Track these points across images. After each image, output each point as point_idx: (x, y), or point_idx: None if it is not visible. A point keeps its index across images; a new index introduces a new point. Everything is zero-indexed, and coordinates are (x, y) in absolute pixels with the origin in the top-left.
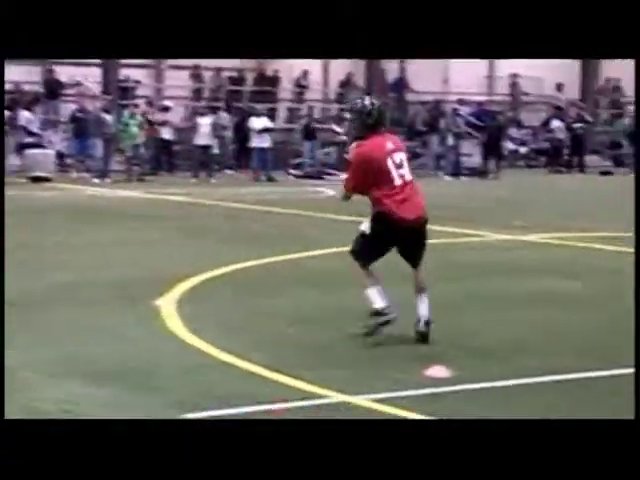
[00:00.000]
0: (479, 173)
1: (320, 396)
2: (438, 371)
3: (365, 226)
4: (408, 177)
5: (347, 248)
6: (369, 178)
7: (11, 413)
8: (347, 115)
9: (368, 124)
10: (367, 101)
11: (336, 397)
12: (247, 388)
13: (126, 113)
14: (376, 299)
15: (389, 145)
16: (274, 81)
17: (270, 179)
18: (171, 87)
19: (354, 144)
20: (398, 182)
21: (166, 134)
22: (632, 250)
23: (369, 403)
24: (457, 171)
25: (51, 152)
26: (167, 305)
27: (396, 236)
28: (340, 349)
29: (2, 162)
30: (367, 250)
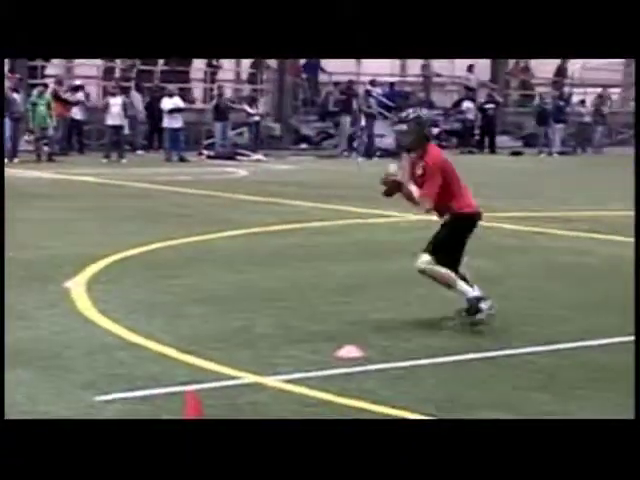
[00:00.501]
0: (392, 154)
1: (231, 377)
2: (349, 352)
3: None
4: None
5: (270, 228)
6: (453, 185)
7: None
8: (398, 127)
9: (426, 134)
10: (424, 111)
11: (247, 378)
12: (157, 370)
13: (35, 92)
14: (469, 289)
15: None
16: (186, 61)
17: (182, 159)
18: (82, 66)
19: (407, 155)
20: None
21: (76, 114)
22: (539, 230)
23: (280, 384)
24: (370, 152)
25: None
26: (76, 287)
27: (472, 230)
28: (250, 330)
29: (2, 161)
30: (452, 254)
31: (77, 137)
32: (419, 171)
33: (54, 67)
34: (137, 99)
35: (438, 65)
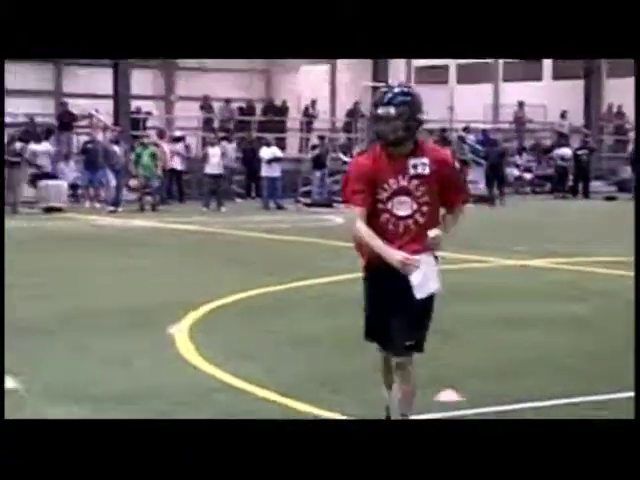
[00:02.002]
0: (485, 200)
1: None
2: (449, 395)
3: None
4: None
5: (354, 275)
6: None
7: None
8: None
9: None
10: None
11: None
12: (254, 409)
13: (138, 144)
14: None
15: None
16: (282, 111)
17: (279, 207)
18: (181, 118)
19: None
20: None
21: (177, 164)
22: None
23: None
24: None
25: (64, 183)
26: (180, 333)
27: None
28: (348, 373)
29: (2, 161)
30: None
31: (177, 187)
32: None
33: (155, 119)
34: (230, 149)
35: (530, 110)
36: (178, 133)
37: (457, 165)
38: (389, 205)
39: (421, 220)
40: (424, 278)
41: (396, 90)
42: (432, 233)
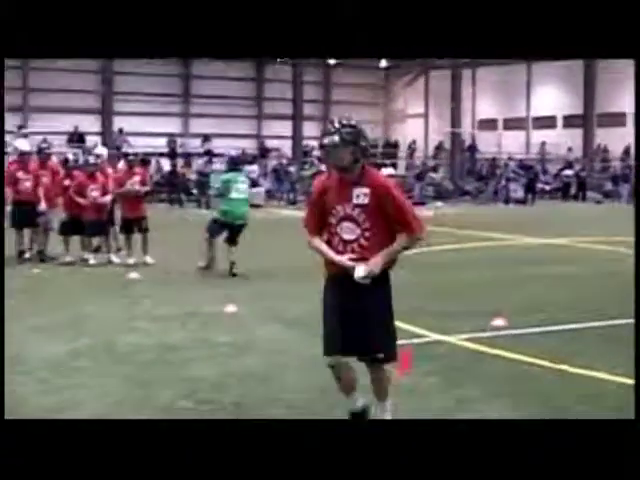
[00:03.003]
0: (521, 202)
1: (420, 335)
2: (499, 321)
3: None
4: None
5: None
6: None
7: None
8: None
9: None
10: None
11: (432, 337)
12: None
13: (306, 166)
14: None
15: None
16: (395, 145)
17: None
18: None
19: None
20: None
21: None
22: (614, 248)
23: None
24: (508, 200)
25: (262, 189)
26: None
27: None
28: (428, 308)
29: (2, 161)
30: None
31: None
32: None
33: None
34: None
35: (549, 148)
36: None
37: (401, 196)
38: (338, 229)
39: (365, 244)
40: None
41: (342, 122)
42: (363, 269)
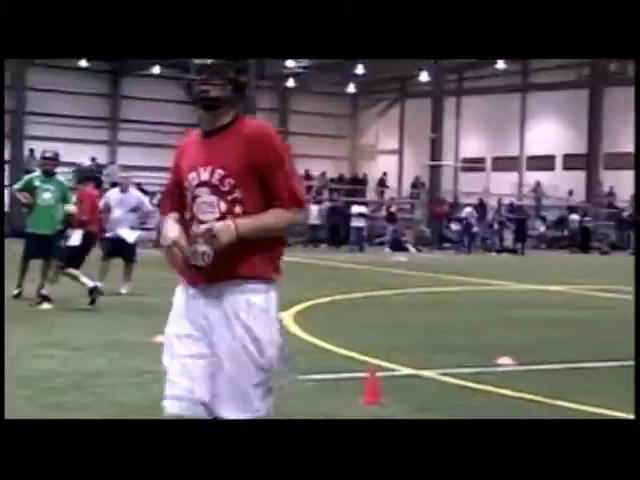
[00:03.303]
0: (511, 251)
1: (396, 370)
2: (506, 360)
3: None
4: None
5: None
6: None
7: None
8: None
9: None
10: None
11: (407, 370)
12: (340, 363)
13: None
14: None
15: None
16: (363, 181)
17: (361, 249)
18: None
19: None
20: None
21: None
22: (619, 296)
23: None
24: (500, 250)
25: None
26: (286, 317)
27: None
28: (413, 344)
29: (2, 164)
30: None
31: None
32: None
33: None
34: (326, 208)
35: (546, 189)
36: None
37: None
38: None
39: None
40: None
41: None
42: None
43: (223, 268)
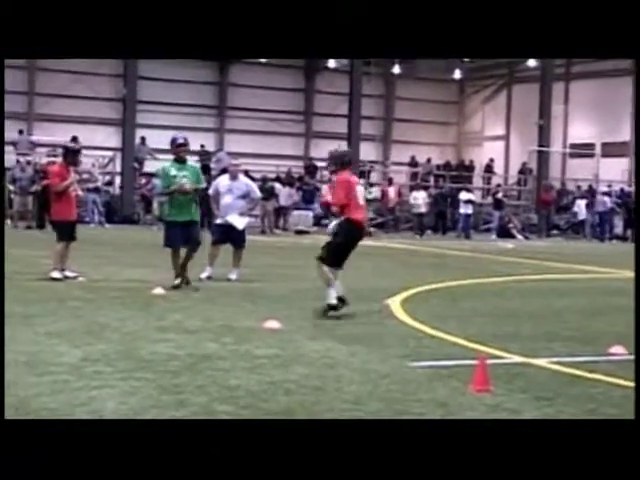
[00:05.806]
0: (621, 238)
1: (506, 357)
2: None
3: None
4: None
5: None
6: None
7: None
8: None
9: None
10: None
11: (517, 358)
12: (453, 350)
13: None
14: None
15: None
16: (470, 168)
17: (467, 237)
18: (393, 172)
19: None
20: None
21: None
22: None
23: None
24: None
25: (310, 213)
26: (393, 303)
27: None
28: (519, 333)
29: (2, 162)
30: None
31: (392, 220)
32: None
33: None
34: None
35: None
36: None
37: None
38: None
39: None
40: None
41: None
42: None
43: None
